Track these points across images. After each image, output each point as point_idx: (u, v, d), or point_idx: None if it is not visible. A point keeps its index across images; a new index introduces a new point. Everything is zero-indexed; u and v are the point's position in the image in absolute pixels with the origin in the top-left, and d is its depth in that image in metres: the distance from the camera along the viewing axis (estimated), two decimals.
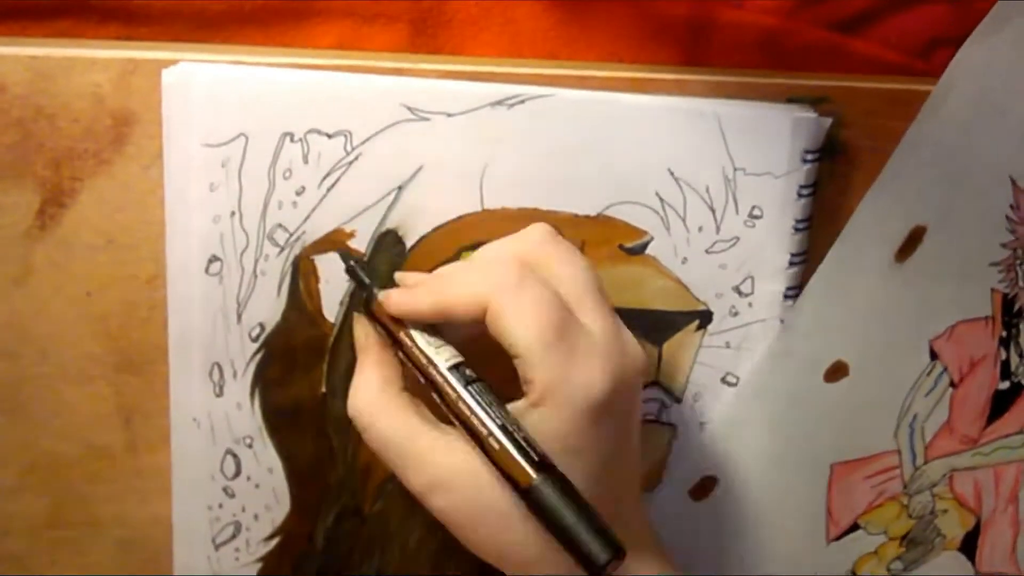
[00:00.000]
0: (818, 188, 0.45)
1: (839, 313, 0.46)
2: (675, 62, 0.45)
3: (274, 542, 0.47)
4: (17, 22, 0.44)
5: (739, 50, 0.46)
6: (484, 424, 0.38)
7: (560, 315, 0.38)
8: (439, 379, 0.39)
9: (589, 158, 0.44)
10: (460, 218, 0.44)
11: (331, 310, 0.45)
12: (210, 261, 0.44)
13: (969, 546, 0.51)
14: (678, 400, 0.47)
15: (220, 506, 0.47)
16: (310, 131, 0.43)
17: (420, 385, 0.40)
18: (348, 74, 0.43)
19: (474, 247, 0.44)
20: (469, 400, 0.38)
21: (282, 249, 0.44)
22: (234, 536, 0.47)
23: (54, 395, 0.46)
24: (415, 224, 0.44)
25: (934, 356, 0.47)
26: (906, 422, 0.48)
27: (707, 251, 0.45)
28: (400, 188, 0.44)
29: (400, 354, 0.41)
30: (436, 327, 0.41)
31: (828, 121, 0.44)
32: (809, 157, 0.44)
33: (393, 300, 0.41)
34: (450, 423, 0.39)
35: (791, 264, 0.45)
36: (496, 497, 0.38)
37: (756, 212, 0.45)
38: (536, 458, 0.37)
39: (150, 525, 0.47)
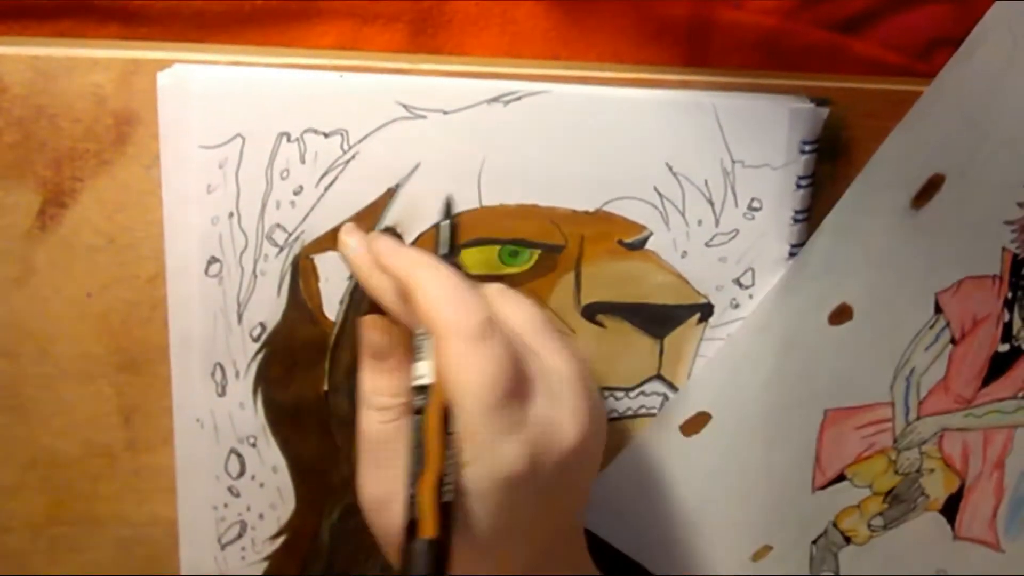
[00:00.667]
0: (820, 189, 0.45)
1: (850, 254, 0.45)
2: (675, 63, 0.45)
3: (280, 541, 0.47)
4: (18, 22, 0.43)
5: (739, 51, 0.45)
6: (434, 457, 0.37)
7: (510, 379, 0.37)
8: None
9: (586, 154, 0.43)
10: (458, 215, 0.44)
11: (331, 308, 0.45)
12: (209, 263, 0.44)
13: (950, 509, 0.51)
14: None
15: (225, 506, 0.47)
16: (306, 131, 0.43)
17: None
18: (343, 73, 0.43)
19: (473, 243, 0.44)
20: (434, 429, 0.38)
21: (281, 249, 0.44)
22: (240, 535, 0.47)
23: (54, 394, 0.46)
24: (413, 222, 0.44)
25: (938, 310, 0.47)
26: (903, 375, 0.48)
27: (707, 244, 0.45)
28: (398, 186, 0.44)
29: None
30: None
31: (825, 111, 0.44)
32: (807, 148, 0.44)
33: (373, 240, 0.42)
34: None
35: (791, 255, 0.45)
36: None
37: (755, 204, 0.44)
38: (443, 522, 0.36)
39: (150, 524, 0.47)
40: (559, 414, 0.38)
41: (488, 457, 0.36)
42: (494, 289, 0.42)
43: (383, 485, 0.40)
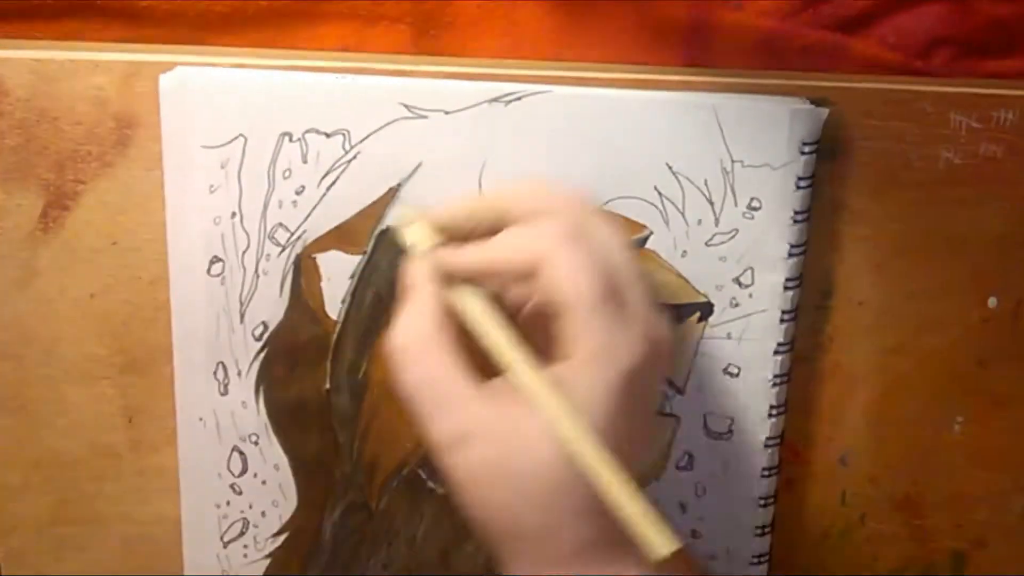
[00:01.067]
0: (819, 187, 0.45)
1: None
2: (676, 64, 0.45)
3: (282, 538, 0.47)
4: (21, 23, 0.44)
5: (739, 52, 0.45)
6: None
7: (611, 278, 0.37)
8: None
9: (587, 154, 0.43)
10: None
11: (333, 307, 0.45)
12: (212, 262, 0.44)
13: None
14: (681, 391, 0.46)
15: (228, 503, 0.47)
16: (308, 131, 0.43)
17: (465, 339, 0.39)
18: (345, 74, 0.43)
19: None
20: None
21: (283, 248, 0.44)
22: (242, 533, 0.47)
23: (58, 395, 0.46)
24: None
25: None
26: None
27: (707, 244, 0.45)
28: (399, 186, 0.44)
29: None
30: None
31: (825, 112, 0.44)
32: (807, 148, 0.44)
33: (442, 254, 0.39)
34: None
35: (790, 255, 0.45)
36: (519, 461, 0.36)
37: (755, 204, 0.44)
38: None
39: (154, 524, 0.47)
40: (659, 310, 0.38)
41: (613, 351, 0.36)
42: (586, 204, 0.41)
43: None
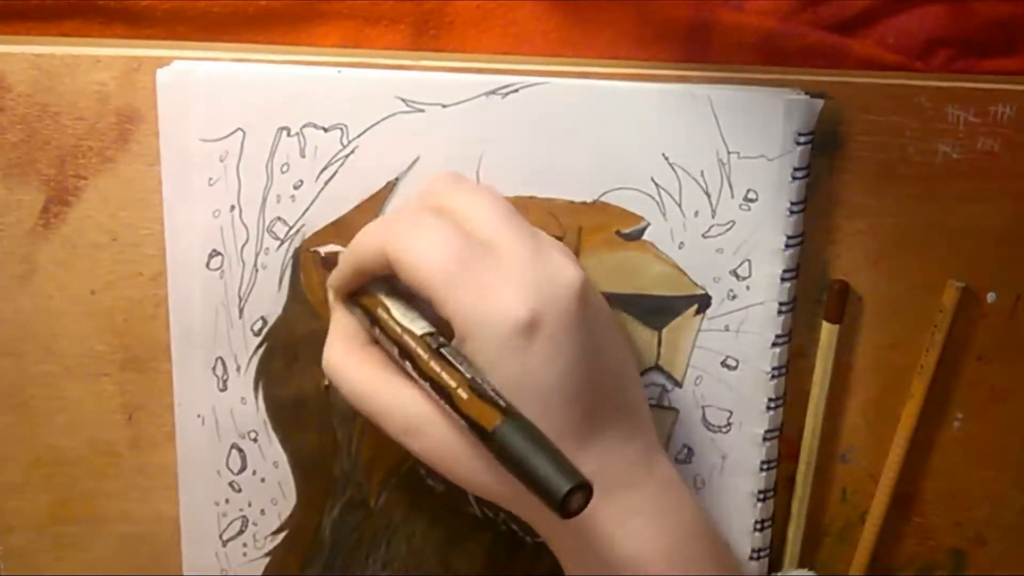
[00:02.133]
0: (817, 182, 0.44)
1: None
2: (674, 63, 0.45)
3: (281, 536, 0.46)
4: (21, 23, 0.43)
5: (739, 52, 0.45)
6: (451, 378, 0.36)
7: (459, 247, 0.37)
8: (410, 347, 0.38)
9: (584, 145, 0.43)
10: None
11: None
12: (211, 256, 0.43)
13: None
14: (679, 384, 0.45)
15: (227, 501, 0.46)
16: (306, 125, 0.42)
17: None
18: (343, 68, 0.42)
19: None
20: (436, 361, 0.37)
21: (282, 242, 0.43)
22: (241, 531, 0.46)
23: (58, 392, 0.45)
24: None
25: None
26: None
27: (703, 235, 0.44)
28: (397, 180, 0.43)
29: (377, 331, 0.40)
30: (413, 304, 0.40)
31: (820, 103, 0.43)
32: (802, 139, 0.43)
33: (331, 280, 0.42)
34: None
35: (787, 246, 0.44)
36: (465, 441, 0.37)
37: (751, 195, 0.44)
38: (501, 405, 0.35)
39: (154, 522, 0.47)
40: (547, 253, 0.38)
41: (484, 318, 0.36)
42: (447, 177, 0.41)
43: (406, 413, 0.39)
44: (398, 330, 0.39)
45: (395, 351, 0.39)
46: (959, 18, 0.45)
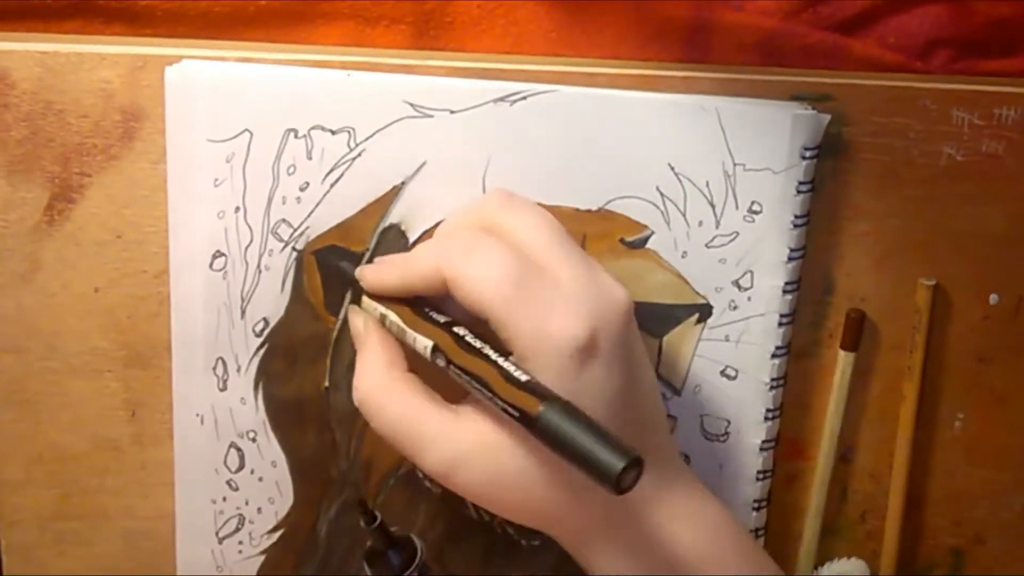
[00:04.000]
0: (820, 185, 0.43)
1: None
2: (676, 63, 0.44)
3: (277, 535, 0.46)
4: (22, 23, 0.42)
5: (740, 52, 0.44)
6: (489, 365, 0.35)
7: (517, 269, 0.36)
8: (443, 340, 0.37)
9: (590, 153, 0.42)
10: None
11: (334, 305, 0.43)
12: (214, 256, 0.42)
13: None
14: (678, 392, 0.45)
15: (224, 499, 0.45)
16: (314, 127, 0.41)
17: (424, 365, 0.38)
18: (352, 70, 0.41)
19: None
20: (469, 351, 0.36)
21: (286, 244, 0.42)
22: (237, 529, 0.45)
23: (61, 389, 0.44)
24: (418, 219, 0.42)
25: None
26: None
27: (707, 245, 0.43)
28: (403, 184, 0.42)
29: (406, 335, 0.39)
30: (442, 307, 0.38)
31: (827, 118, 0.42)
32: (808, 153, 0.42)
33: (365, 274, 0.40)
34: (459, 400, 0.38)
35: (790, 259, 0.43)
36: (516, 462, 0.36)
37: (755, 207, 0.43)
38: (542, 392, 0.34)
39: (156, 518, 0.46)
40: (599, 275, 0.37)
41: (544, 339, 0.35)
42: (499, 195, 0.40)
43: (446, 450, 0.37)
44: (428, 327, 0.37)
45: (428, 347, 0.37)
46: (959, 18, 0.44)
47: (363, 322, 0.40)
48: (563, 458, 0.33)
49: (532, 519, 0.38)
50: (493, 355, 0.36)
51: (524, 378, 0.35)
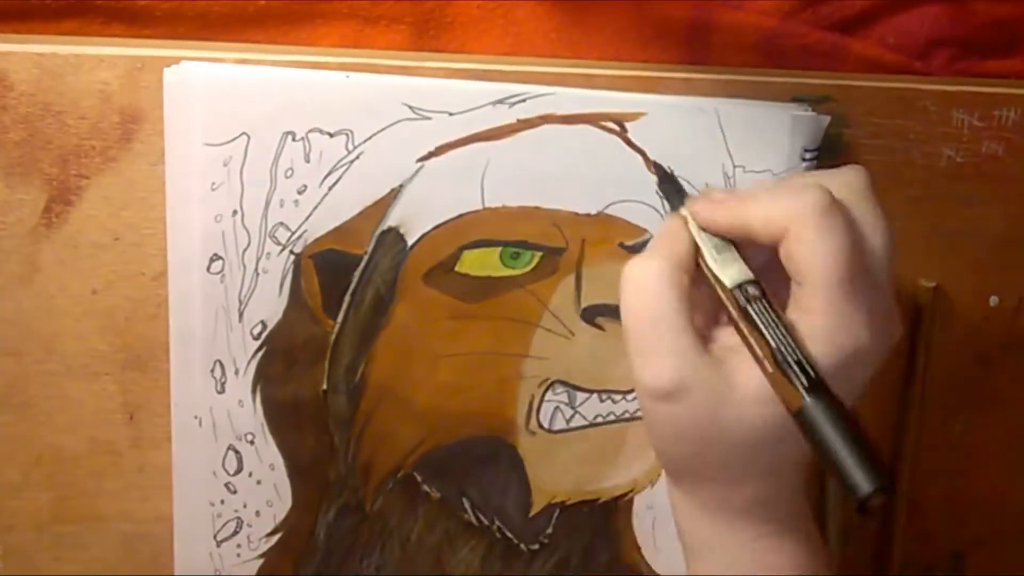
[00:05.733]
0: None
1: None
2: (676, 64, 0.43)
3: (275, 538, 0.45)
4: (21, 23, 0.41)
5: (739, 51, 0.43)
6: (758, 345, 0.33)
7: (857, 259, 0.34)
8: (723, 296, 0.35)
9: (589, 156, 0.41)
10: (461, 216, 0.42)
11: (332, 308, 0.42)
12: (212, 260, 0.41)
13: None
14: None
15: (222, 502, 0.44)
16: (312, 130, 0.40)
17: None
18: (350, 72, 0.40)
19: (475, 244, 0.42)
20: (744, 320, 0.34)
21: (284, 247, 0.41)
22: (235, 532, 0.44)
23: (59, 392, 0.43)
24: (416, 222, 0.41)
25: None
26: None
27: None
28: (401, 186, 0.41)
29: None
30: (737, 247, 0.36)
31: (826, 119, 0.42)
32: (808, 155, 0.41)
33: (696, 207, 0.37)
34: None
35: None
36: (736, 420, 0.34)
37: None
38: (810, 379, 0.33)
39: (154, 521, 0.45)
40: (890, 303, 0.35)
41: (842, 332, 0.33)
42: (861, 179, 0.37)
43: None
44: (711, 275, 0.36)
45: (736, 281, 0.35)
46: (959, 18, 0.44)
47: (677, 222, 0.37)
48: (816, 454, 0.32)
49: (690, 474, 0.36)
50: (774, 333, 0.34)
51: (796, 361, 0.33)
